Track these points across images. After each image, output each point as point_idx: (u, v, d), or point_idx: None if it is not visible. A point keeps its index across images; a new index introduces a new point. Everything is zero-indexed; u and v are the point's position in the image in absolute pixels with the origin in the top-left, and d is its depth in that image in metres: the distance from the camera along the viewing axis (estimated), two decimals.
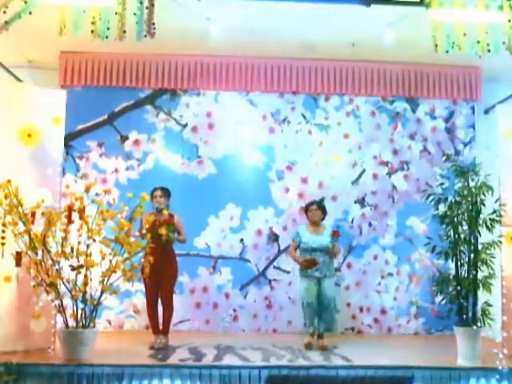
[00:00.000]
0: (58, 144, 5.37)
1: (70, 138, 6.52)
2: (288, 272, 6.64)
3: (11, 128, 5.14)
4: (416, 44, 5.76)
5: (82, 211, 4.75)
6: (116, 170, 6.72)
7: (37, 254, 4.75)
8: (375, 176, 6.90)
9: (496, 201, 5.14)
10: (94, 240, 4.76)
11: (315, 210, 5.75)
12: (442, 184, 6.72)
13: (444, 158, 6.51)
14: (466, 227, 5.07)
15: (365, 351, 5.42)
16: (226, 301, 6.63)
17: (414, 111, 7.01)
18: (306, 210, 5.85)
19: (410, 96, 6.91)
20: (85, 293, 4.69)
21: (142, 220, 5.24)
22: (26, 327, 5.02)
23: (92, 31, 4.44)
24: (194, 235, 6.48)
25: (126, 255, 4.81)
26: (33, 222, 4.76)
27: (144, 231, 5.08)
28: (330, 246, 5.64)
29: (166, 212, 5.33)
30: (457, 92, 6.87)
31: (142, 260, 5.11)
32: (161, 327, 5.45)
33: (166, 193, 5.52)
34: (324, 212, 5.81)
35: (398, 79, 6.83)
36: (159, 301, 5.46)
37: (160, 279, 5.33)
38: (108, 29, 4.44)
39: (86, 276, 4.69)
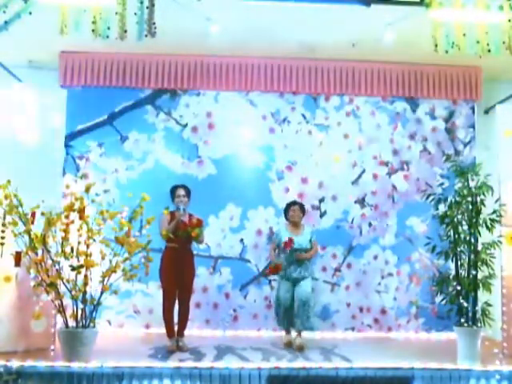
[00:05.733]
0: (58, 144, 5.38)
1: (69, 138, 6.52)
2: None
3: (11, 128, 5.14)
4: (416, 44, 5.76)
5: (82, 211, 4.76)
6: (116, 170, 6.72)
7: (37, 254, 4.75)
8: (375, 176, 6.90)
9: (496, 201, 5.14)
10: (94, 240, 4.76)
11: (297, 210, 5.74)
12: (441, 184, 6.75)
13: (444, 158, 6.51)
14: (465, 227, 5.07)
15: (365, 351, 5.42)
16: (226, 301, 6.63)
17: (414, 111, 7.01)
18: (287, 209, 5.82)
19: (409, 96, 6.91)
20: (85, 293, 4.69)
21: (162, 220, 5.26)
22: (26, 327, 5.02)
23: (93, 30, 4.44)
24: None
25: (125, 255, 4.81)
26: (33, 222, 4.76)
27: (164, 232, 5.11)
28: (309, 246, 5.65)
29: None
30: (457, 92, 6.87)
31: (162, 262, 5.27)
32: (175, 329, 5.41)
33: (188, 191, 5.47)
34: (303, 212, 5.83)
35: (397, 79, 6.83)
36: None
37: (181, 279, 5.32)
38: (109, 28, 4.45)
39: (85, 276, 4.69)
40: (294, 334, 5.59)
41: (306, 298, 5.47)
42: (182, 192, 5.40)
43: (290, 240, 5.51)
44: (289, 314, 5.55)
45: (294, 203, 5.85)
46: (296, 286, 5.56)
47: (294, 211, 5.74)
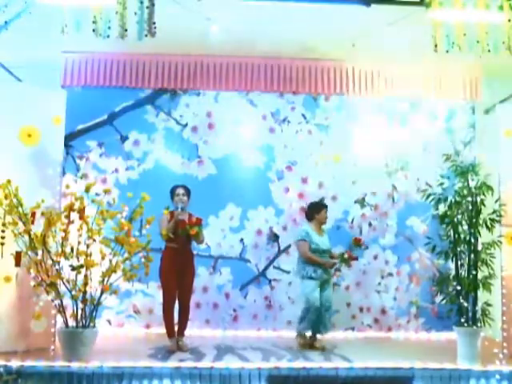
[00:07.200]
0: (58, 144, 5.38)
1: (70, 138, 6.52)
2: (288, 272, 6.64)
3: (11, 128, 5.14)
4: (416, 44, 5.76)
5: (82, 211, 4.76)
6: (116, 170, 6.72)
7: (37, 254, 4.75)
8: (375, 176, 6.89)
9: (496, 201, 5.14)
10: (94, 240, 4.76)
11: (327, 213, 5.79)
12: (441, 184, 6.73)
13: (444, 158, 6.51)
14: (466, 227, 5.07)
15: (365, 351, 5.42)
16: (226, 301, 6.63)
17: (414, 111, 7.01)
18: (318, 210, 5.77)
19: (410, 96, 6.90)
20: (85, 293, 4.69)
21: (162, 219, 5.28)
22: (26, 327, 5.01)
23: (93, 30, 4.45)
24: None
25: (126, 255, 4.81)
26: (33, 222, 4.76)
27: (164, 231, 5.11)
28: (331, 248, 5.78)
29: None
30: (457, 92, 6.87)
31: (162, 262, 5.27)
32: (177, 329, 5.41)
33: (188, 191, 5.50)
34: None
35: (398, 79, 6.83)
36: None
37: (181, 279, 5.32)
38: (109, 28, 4.45)
39: (85, 276, 4.69)
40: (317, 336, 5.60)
41: (331, 302, 5.59)
42: (181, 191, 5.42)
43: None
44: (317, 318, 5.50)
45: (324, 205, 5.88)
46: (322, 288, 5.54)
47: (325, 213, 5.77)
